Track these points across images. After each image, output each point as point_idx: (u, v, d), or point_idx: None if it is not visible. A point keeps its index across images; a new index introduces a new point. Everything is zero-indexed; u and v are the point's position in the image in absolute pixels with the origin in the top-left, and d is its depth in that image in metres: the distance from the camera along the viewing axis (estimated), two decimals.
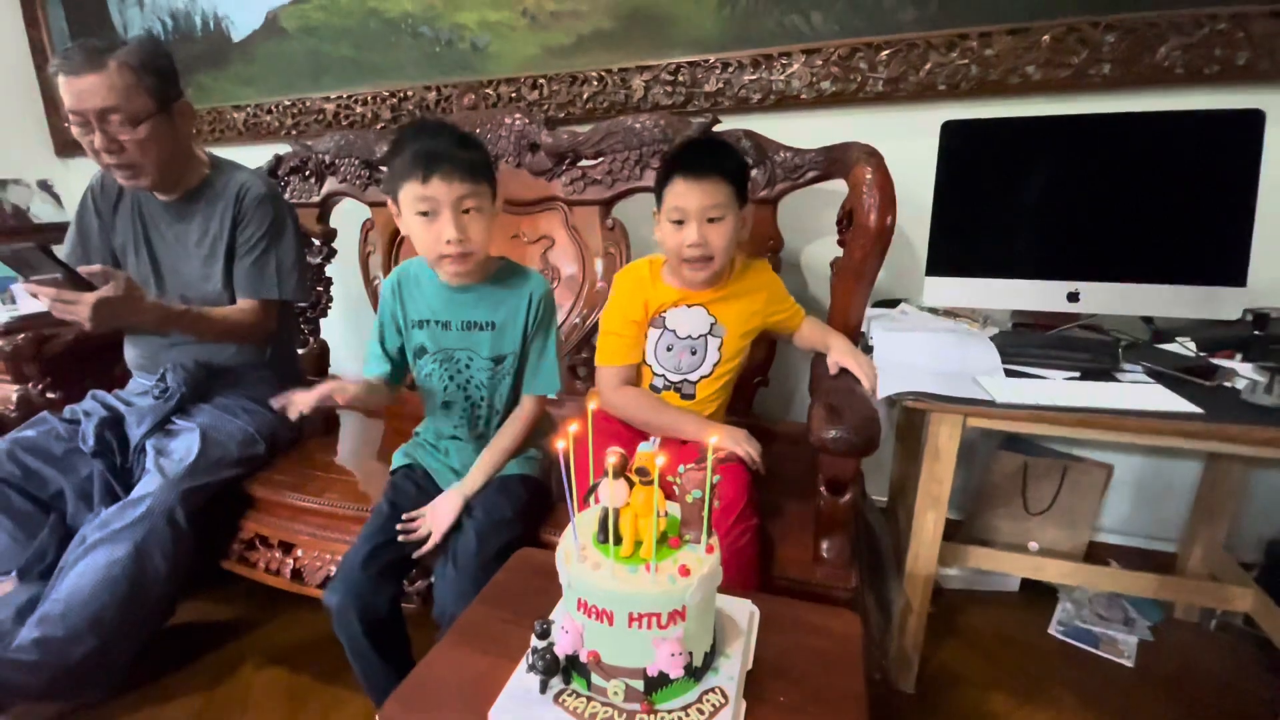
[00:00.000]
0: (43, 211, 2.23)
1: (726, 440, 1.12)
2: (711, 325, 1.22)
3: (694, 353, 1.23)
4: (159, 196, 1.36)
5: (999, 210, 1.32)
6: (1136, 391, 1.09)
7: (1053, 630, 1.45)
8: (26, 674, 1.08)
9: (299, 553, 1.28)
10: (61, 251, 1.37)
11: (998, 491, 1.56)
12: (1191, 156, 1.22)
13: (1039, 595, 1.55)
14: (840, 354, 1.19)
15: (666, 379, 1.25)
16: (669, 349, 1.23)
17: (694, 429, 1.16)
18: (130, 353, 1.43)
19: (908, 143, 1.36)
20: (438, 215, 1.02)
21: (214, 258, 1.36)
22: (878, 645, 1.16)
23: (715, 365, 1.23)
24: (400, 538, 1.06)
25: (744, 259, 1.27)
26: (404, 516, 1.08)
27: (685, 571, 0.62)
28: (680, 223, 1.13)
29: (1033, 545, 1.53)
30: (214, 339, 1.34)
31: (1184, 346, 1.26)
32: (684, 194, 1.11)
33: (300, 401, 1.04)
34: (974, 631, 1.45)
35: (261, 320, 1.39)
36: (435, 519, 1.08)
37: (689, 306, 1.22)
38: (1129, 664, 1.35)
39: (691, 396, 1.24)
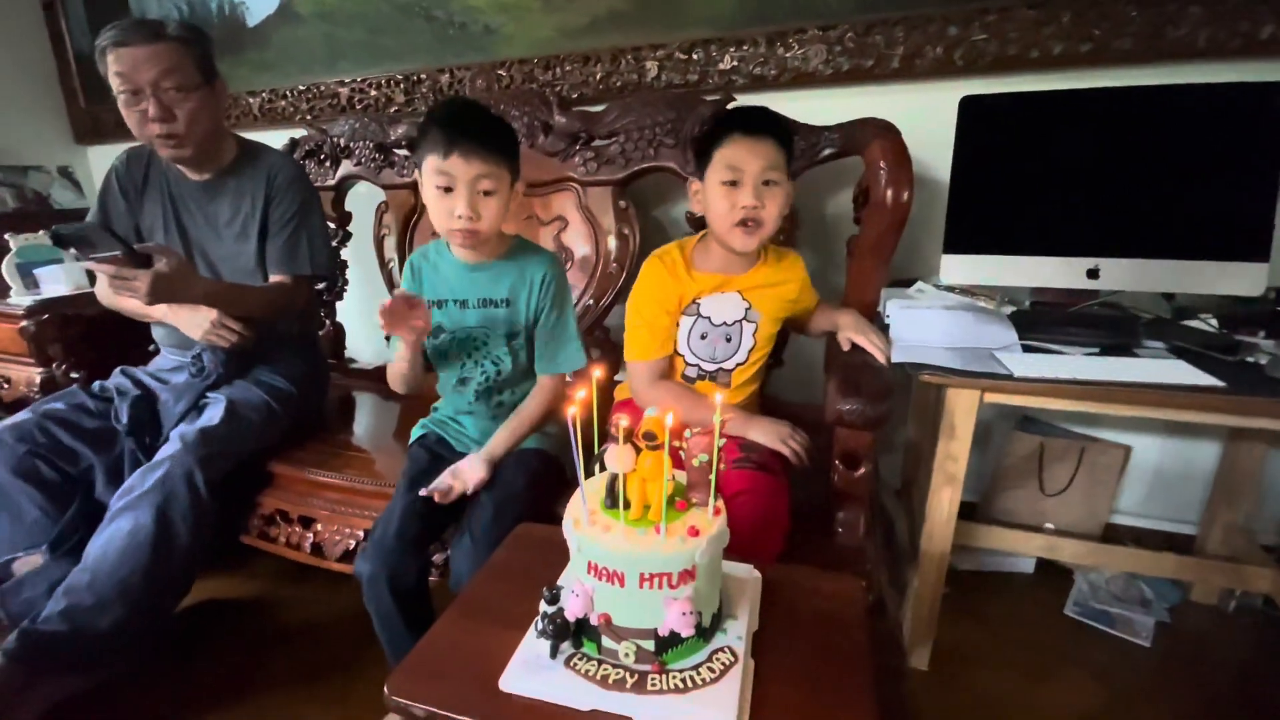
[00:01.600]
0: (63, 198, 2.27)
1: (770, 437, 1.11)
2: (746, 311, 1.19)
3: (729, 340, 1.20)
4: (190, 176, 1.39)
5: (1018, 186, 1.30)
6: (1157, 366, 1.08)
7: (1068, 611, 1.43)
8: (56, 646, 1.10)
9: (319, 527, 1.30)
10: None
11: (1013, 473, 1.55)
12: (1214, 130, 1.19)
13: (1054, 577, 1.54)
14: (849, 329, 1.18)
15: (701, 368, 1.22)
16: (703, 337, 1.20)
17: (738, 424, 1.14)
18: (160, 329, 1.45)
19: (925, 119, 1.34)
20: (454, 190, 1.04)
21: (246, 236, 1.39)
22: (893, 622, 1.16)
23: (750, 352, 1.21)
24: (436, 497, 1.07)
25: (777, 247, 1.24)
26: (422, 492, 1.07)
27: (694, 532, 0.63)
28: (734, 184, 1.07)
29: (1048, 526, 1.52)
30: (254, 313, 1.36)
31: (1206, 323, 1.24)
32: (742, 153, 1.06)
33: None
34: (988, 612, 1.45)
35: (294, 295, 1.42)
36: (464, 476, 1.10)
37: (724, 293, 1.18)
38: (1146, 645, 1.34)
39: (727, 385, 1.22)
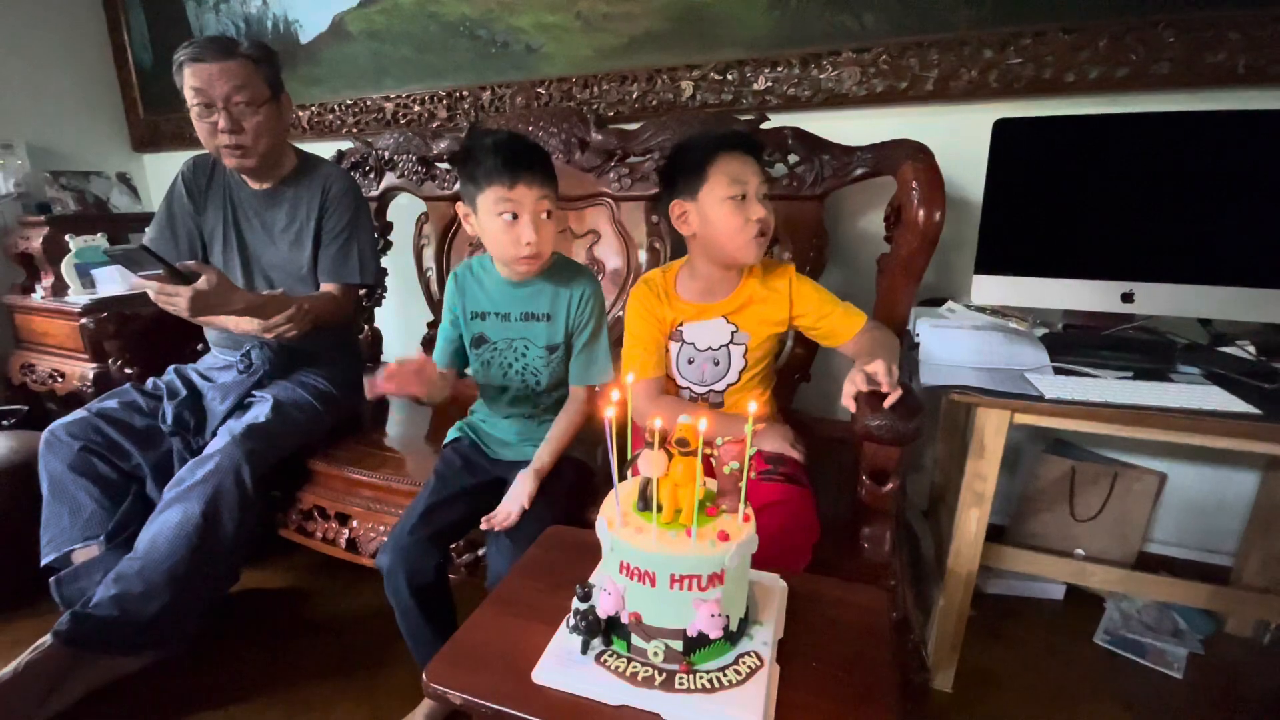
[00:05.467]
0: (121, 202, 2.37)
1: (778, 442, 1.13)
2: (733, 334, 1.18)
3: (717, 364, 1.20)
4: (251, 184, 1.46)
5: (1051, 209, 1.30)
6: (1192, 392, 1.07)
7: (1098, 639, 1.41)
8: (105, 629, 1.16)
9: (354, 524, 1.34)
10: (149, 234, 1.48)
11: (1044, 496, 1.53)
12: (1253, 157, 1.18)
13: (1085, 604, 1.51)
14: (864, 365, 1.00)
15: (692, 391, 1.23)
16: (690, 362, 1.21)
17: (739, 428, 1.15)
18: (212, 330, 1.52)
19: (959, 140, 1.36)
20: (520, 218, 1.07)
21: (300, 244, 1.45)
22: (917, 641, 1.15)
23: (741, 372, 1.20)
24: (484, 527, 1.09)
25: (767, 260, 1.21)
26: (483, 525, 1.09)
27: (724, 537, 0.65)
28: (743, 197, 1.08)
29: (1079, 552, 1.50)
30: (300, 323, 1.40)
31: (1244, 350, 1.22)
32: (742, 167, 1.08)
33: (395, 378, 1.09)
34: (1015, 637, 1.43)
35: (343, 303, 1.47)
36: (513, 498, 1.11)
37: (706, 320, 1.19)
38: (1178, 676, 1.31)
39: (720, 406, 1.23)
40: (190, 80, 1.29)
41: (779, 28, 1.55)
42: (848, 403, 1.00)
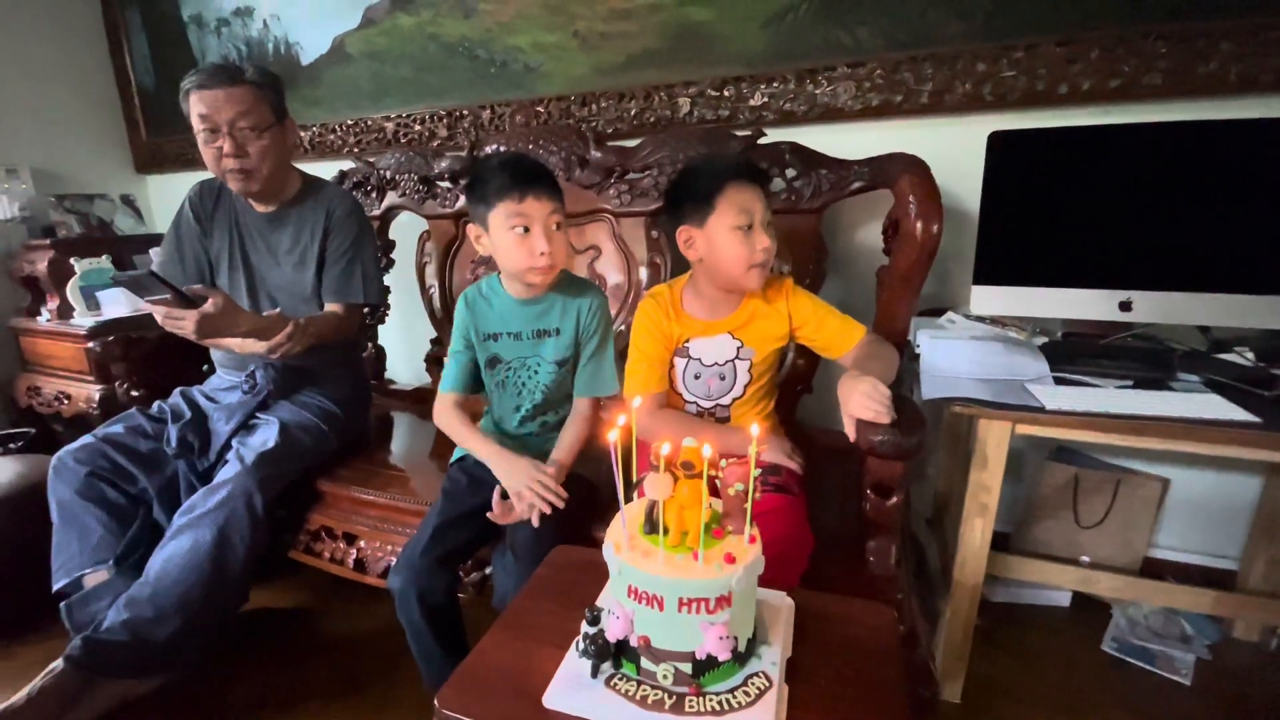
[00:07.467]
0: (125, 224, 2.39)
1: (776, 454, 1.15)
2: (738, 349, 1.20)
3: (723, 378, 1.21)
4: (257, 208, 1.48)
5: (1048, 219, 1.31)
6: (1192, 400, 1.08)
7: (1106, 646, 1.41)
8: (117, 653, 1.17)
9: (361, 544, 1.35)
10: (158, 257, 1.50)
11: (1047, 504, 1.54)
12: (1247, 164, 1.19)
13: (1091, 612, 1.52)
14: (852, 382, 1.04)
15: (699, 405, 1.24)
16: (697, 377, 1.22)
17: (740, 443, 1.15)
18: (217, 351, 1.53)
19: (954, 152, 1.37)
20: (531, 230, 1.10)
21: (304, 265, 1.47)
22: (925, 653, 1.16)
23: (746, 386, 1.22)
24: (498, 520, 1.12)
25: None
26: (492, 514, 1.12)
27: (731, 559, 0.65)
28: (749, 227, 1.09)
29: (1084, 559, 1.50)
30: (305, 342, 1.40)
31: (1242, 356, 1.23)
32: (749, 197, 1.10)
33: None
34: (1022, 645, 1.43)
35: (347, 322, 1.49)
36: (533, 489, 1.10)
37: (712, 336, 1.20)
38: (1186, 682, 1.31)
39: (726, 419, 1.24)
40: (196, 107, 1.31)
41: (774, 44, 1.57)
42: (850, 431, 1.02)
